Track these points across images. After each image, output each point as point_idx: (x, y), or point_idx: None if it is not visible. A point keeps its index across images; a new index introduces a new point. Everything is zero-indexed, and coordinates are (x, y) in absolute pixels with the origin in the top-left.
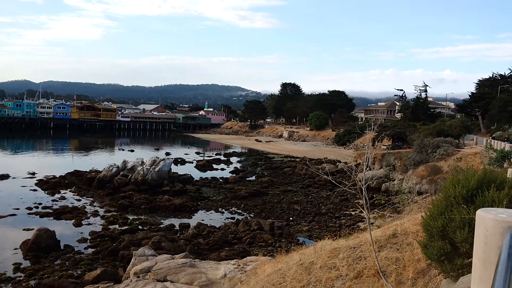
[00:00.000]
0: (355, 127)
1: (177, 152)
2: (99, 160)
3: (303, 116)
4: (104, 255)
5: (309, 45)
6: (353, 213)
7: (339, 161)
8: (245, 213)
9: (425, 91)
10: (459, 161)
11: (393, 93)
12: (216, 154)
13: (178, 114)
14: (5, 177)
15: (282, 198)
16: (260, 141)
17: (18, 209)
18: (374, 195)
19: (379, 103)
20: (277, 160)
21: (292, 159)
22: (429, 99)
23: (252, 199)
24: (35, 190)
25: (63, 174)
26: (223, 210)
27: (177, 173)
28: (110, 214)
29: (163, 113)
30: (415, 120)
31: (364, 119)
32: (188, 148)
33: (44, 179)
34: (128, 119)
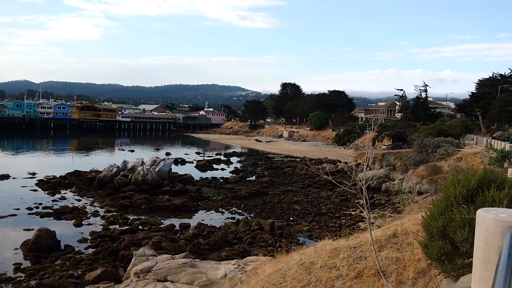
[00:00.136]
0: (355, 127)
1: (177, 152)
2: (99, 160)
3: (303, 116)
4: (105, 255)
5: (309, 45)
6: (353, 213)
7: (339, 161)
8: (245, 213)
9: (425, 91)
10: (459, 161)
11: (393, 93)
12: (216, 154)
13: (178, 114)
14: (5, 177)
15: (282, 198)
16: (260, 141)
17: (18, 209)
18: (375, 195)
19: (379, 103)
20: (277, 160)
21: (292, 159)
22: (429, 99)
23: (252, 199)
24: (35, 190)
25: (63, 174)
26: (223, 210)
27: (177, 173)
28: (111, 214)
29: (163, 113)
30: (415, 120)
31: (364, 119)
32: (188, 148)
33: (45, 179)
34: (128, 119)
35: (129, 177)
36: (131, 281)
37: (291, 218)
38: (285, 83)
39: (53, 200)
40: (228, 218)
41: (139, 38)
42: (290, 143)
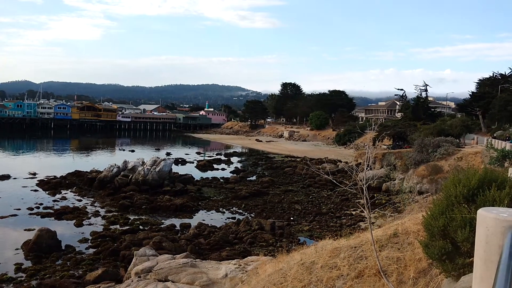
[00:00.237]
0: (356, 127)
1: (178, 152)
2: (100, 161)
3: (304, 116)
4: (105, 255)
5: (309, 45)
6: (354, 212)
7: (340, 161)
8: (246, 213)
9: (426, 90)
10: (459, 160)
11: (393, 92)
12: (216, 154)
13: (179, 114)
14: (6, 177)
15: (283, 198)
16: (261, 141)
17: (19, 209)
18: (375, 195)
19: (379, 103)
20: (278, 160)
21: (292, 159)
22: (429, 98)
23: (253, 199)
24: (36, 190)
25: (64, 175)
26: (224, 210)
27: (178, 173)
28: (111, 214)
29: (164, 113)
30: (416, 119)
31: (364, 118)
32: (189, 148)
33: (45, 179)
34: (129, 119)
35: (130, 177)
36: (132, 281)
37: (291, 218)
38: (286, 83)
39: (54, 200)
40: (228, 218)
41: (139, 38)
42: (291, 143)
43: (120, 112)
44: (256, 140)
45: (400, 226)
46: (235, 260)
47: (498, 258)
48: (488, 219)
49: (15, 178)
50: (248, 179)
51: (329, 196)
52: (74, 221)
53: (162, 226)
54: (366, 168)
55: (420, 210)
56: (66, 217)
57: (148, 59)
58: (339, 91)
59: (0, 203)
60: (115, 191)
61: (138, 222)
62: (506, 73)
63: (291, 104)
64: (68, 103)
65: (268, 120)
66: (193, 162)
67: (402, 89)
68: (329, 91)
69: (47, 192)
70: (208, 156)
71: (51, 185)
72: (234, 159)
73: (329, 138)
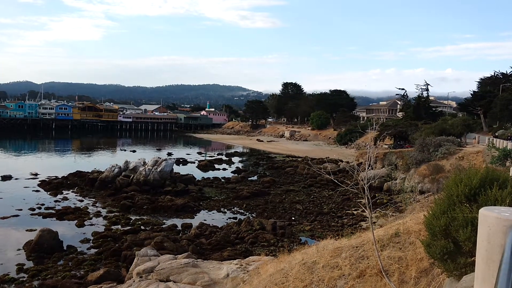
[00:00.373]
0: (357, 127)
1: (179, 152)
2: (101, 161)
3: (305, 116)
4: (107, 255)
5: (310, 45)
6: (355, 212)
7: (341, 161)
8: (247, 213)
9: (427, 90)
10: (461, 160)
11: (394, 92)
12: (217, 154)
13: (180, 114)
14: (7, 178)
15: (284, 198)
16: (262, 141)
17: (21, 209)
18: (376, 194)
19: (380, 102)
20: (279, 160)
21: (293, 158)
22: (430, 98)
23: (254, 199)
24: (37, 190)
25: (65, 175)
26: (225, 210)
27: (179, 173)
28: (113, 214)
29: (165, 114)
30: (417, 119)
31: (365, 118)
32: (190, 148)
33: (47, 179)
34: (130, 120)
35: (131, 177)
36: (134, 281)
37: (293, 218)
38: (287, 83)
39: (56, 201)
40: (230, 218)
41: (140, 38)
42: (292, 143)
43: (121, 113)
44: (257, 140)
45: (402, 225)
46: (237, 260)
47: (500, 257)
48: (490, 219)
49: (16, 179)
50: (249, 179)
51: (330, 196)
52: (76, 221)
53: (163, 226)
54: (368, 168)
55: (422, 210)
56: (67, 217)
57: (149, 59)
58: (340, 90)
59: (1, 203)
60: (117, 192)
61: (139, 222)
62: (508, 72)
63: (292, 104)
64: (70, 103)
65: (269, 120)
66: (194, 162)
67: (403, 89)
68: (330, 90)
69: (48, 192)
70: (209, 156)
71: (52, 185)
72: (235, 159)
73: (330, 137)
